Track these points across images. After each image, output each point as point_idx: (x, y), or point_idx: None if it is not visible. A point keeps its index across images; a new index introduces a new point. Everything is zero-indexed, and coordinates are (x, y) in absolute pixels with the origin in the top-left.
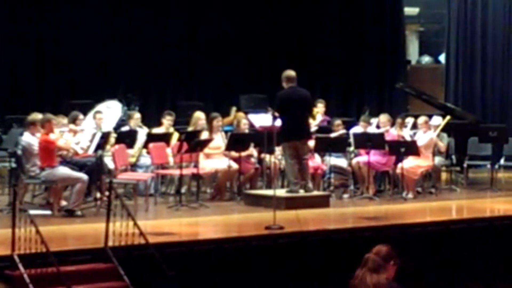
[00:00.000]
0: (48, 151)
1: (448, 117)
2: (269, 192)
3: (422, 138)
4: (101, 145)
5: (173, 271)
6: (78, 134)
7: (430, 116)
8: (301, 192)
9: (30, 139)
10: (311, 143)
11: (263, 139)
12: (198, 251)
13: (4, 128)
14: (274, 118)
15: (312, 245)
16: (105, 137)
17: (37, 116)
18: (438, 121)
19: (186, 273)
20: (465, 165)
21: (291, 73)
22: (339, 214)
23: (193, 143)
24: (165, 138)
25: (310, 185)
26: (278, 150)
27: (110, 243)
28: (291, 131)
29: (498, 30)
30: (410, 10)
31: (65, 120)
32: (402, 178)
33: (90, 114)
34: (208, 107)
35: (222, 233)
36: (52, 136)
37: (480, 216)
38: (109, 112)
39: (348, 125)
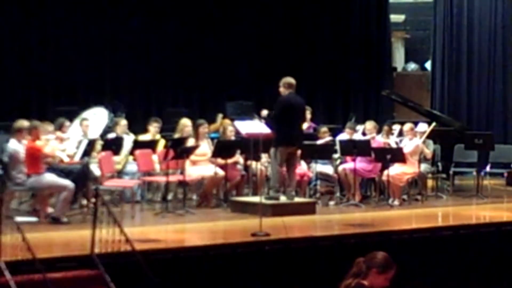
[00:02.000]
0: (35, 158)
1: (434, 124)
2: (255, 199)
3: (408, 145)
4: (87, 152)
5: (159, 278)
6: (64, 141)
7: (416, 123)
8: (282, 199)
9: (17, 146)
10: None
11: (249, 146)
12: (184, 258)
13: None
14: (267, 124)
15: (298, 252)
16: (91, 144)
17: (24, 123)
18: (424, 128)
19: (172, 280)
20: (451, 172)
21: (291, 80)
22: (325, 221)
23: (179, 150)
24: (151, 145)
25: (293, 193)
26: (264, 157)
27: (96, 250)
28: (290, 137)
29: (484, 37)
30: (396, 17)
31: (51, 127)
32: (388, 185)
33: (77, 121)
34: (194, 114)
35: (208, 240)
36: (38, 143)
37: (466, 223)
38: (96, 119)
39: (334, 132)
